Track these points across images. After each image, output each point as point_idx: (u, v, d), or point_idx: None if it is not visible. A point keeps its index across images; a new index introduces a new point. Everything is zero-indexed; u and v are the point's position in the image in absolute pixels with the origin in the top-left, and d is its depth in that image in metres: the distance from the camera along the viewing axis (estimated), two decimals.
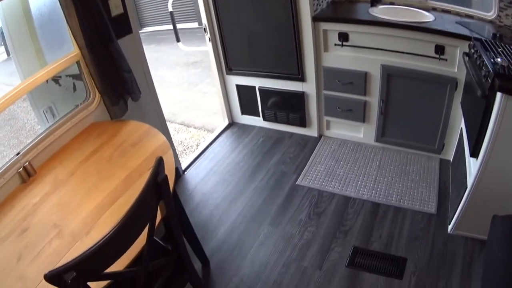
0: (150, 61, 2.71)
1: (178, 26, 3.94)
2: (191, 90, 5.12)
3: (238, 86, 3.56)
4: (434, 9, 3.04)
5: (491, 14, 2.87)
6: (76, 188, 1.79)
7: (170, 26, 3.58)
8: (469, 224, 2.30)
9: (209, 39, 3.36)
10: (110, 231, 1.10)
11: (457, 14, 2.97)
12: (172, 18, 3.91)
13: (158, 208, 1.36)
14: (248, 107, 3.65)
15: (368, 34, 2.75)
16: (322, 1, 3.01)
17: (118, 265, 1.24)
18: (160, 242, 1.71)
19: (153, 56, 5.80)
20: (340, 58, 2.94)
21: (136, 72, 2.40)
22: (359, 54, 2.85)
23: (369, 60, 2.84)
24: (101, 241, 1.08)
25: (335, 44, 2.87)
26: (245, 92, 3.57)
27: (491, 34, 2.45)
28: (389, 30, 2.66)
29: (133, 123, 2.22)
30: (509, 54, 2.04)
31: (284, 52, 3.08)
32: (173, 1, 3.70)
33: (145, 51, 2.64)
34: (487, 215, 1.81)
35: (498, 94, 1.78)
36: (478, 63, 2.05)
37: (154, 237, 1.44)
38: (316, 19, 2.84)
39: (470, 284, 2.08)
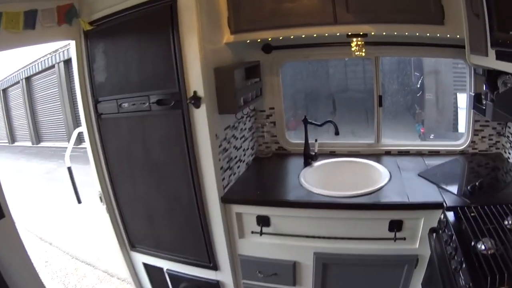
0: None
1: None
2: None
3: (145, 265, 2.89)
4: (388, 153, 2.78)
5: (462, 143, 2.70)
6: None
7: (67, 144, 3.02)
8: None
9: (107, 210, 2.77)
10: None
11: (419, 153, 2.74)
12: (71, 174, 3.21)
13: None
14: None
15: (296, 218, 2.22)
16: (239, 167, 2.55)
17: None
18: None
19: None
20: (259, 245, 2.36)
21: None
22: (285, 241, 2.28)
23: (299, 248, 2.27)
24: None
25: (252, 232, 2.29)
26: (154, 273, 2.90)
27: (468, 188, 2.07)
28: (323, 212, 2.16)
29: None
30: (499, 223, 1.70)
31: (190, 236, 2.47)
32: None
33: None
34: None
35: None
36: (450, 252, 1.66)
37: None
38: (226, 200, 2.26)
39: None
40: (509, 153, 2.49)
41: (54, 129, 10.34)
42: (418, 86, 3.12)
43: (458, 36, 2.02)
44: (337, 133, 2.54)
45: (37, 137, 11.15)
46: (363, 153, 2.75)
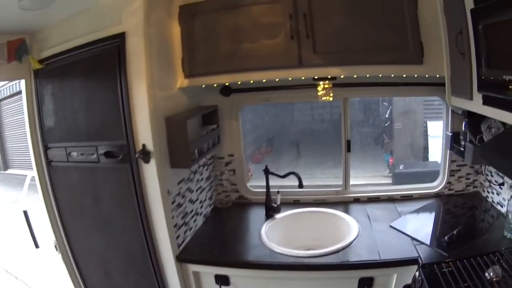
0: None
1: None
2: None
3: None
4: (357, 200, 2.58)
5: (437, 185, 2.54)
6: None
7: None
8: None
9: (62, 259, 2.52)
10: None
11: (390, 199, 2.54)
12: (27, 219, 3.07)
13: None
14: None
15: (257, 278, 2.01)
16: (195, 221, 2.34)
17: None
18: None
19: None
20: None
21: None
22: None
23: None
24: None
25: None
26: None
27: (446, 239, 1.90)
28: (286, 273, 1.96)
29: None
30: (479, 276, 1.58)
31: None
32: None
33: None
34: None
35: None
36: None
37: None
38: (181, 259, 2.06)
39: None
40: (488, 192, 2.36)
41: (21, 156, 9.93)
42: (387, 116, 2.99)
43: (437, 76, 1.88)
44: (300, 185, 2.32)
45: (5, 164, 10.70)
46: (330, 201, 2.54)
